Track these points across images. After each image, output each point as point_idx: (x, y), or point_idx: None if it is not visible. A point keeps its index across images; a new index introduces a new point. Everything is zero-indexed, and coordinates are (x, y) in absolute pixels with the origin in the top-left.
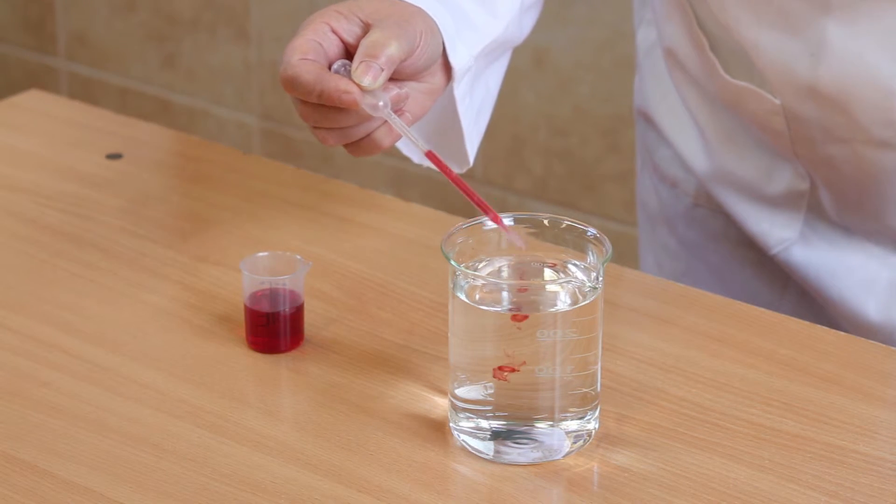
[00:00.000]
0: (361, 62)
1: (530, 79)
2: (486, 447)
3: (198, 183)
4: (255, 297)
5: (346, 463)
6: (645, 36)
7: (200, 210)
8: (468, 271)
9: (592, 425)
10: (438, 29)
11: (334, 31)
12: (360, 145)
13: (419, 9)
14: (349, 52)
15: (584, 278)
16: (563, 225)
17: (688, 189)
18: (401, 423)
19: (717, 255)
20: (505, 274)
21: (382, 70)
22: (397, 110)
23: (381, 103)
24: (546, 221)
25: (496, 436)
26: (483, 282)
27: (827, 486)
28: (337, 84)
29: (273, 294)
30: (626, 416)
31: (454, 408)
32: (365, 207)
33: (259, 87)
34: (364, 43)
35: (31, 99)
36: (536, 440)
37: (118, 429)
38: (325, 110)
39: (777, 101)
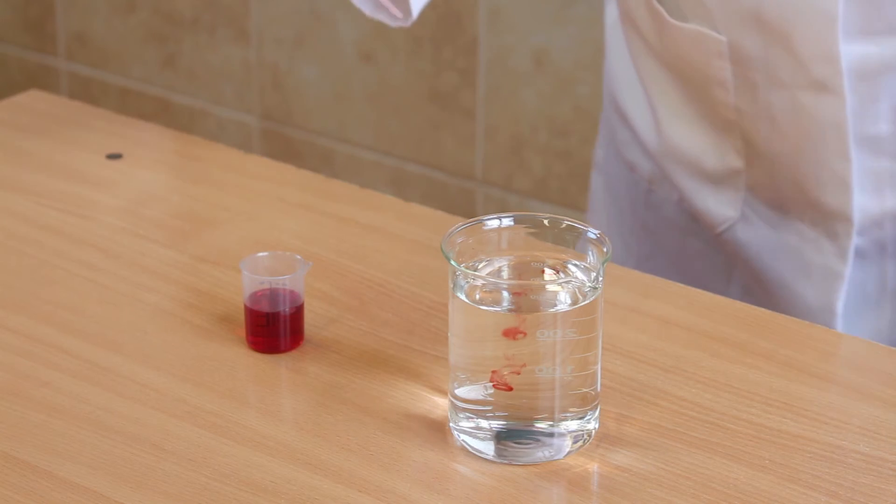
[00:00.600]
0: None
1: (530, 79)
2: (486, 447)
3: (198, 183)
4: (255, 297)
5: (346, 463)
6: (610, 11)
7: (200, 210)
8: (468, 271)
9: (592, 425)
10: None
11: None
12: None
13: None
14: None
15: (584, 278)
16: (563, 225)
17: (643, 173)
18: (401, 423)
19: (672, 241)
20: (505, 274)
21: None
22: None
23: None
24: (546, 221)
25: (496, 436)
26: (483, 282)
27: (827, 486)
28: None
29: (273, 294)
30: (626, 416)
31: (454, 408)
32: (365, 207)
33: (259, 87)
34: None
35: (31, 99)
36: (536, 440)
37: (118, 429)
38: None
39: (722, 38)
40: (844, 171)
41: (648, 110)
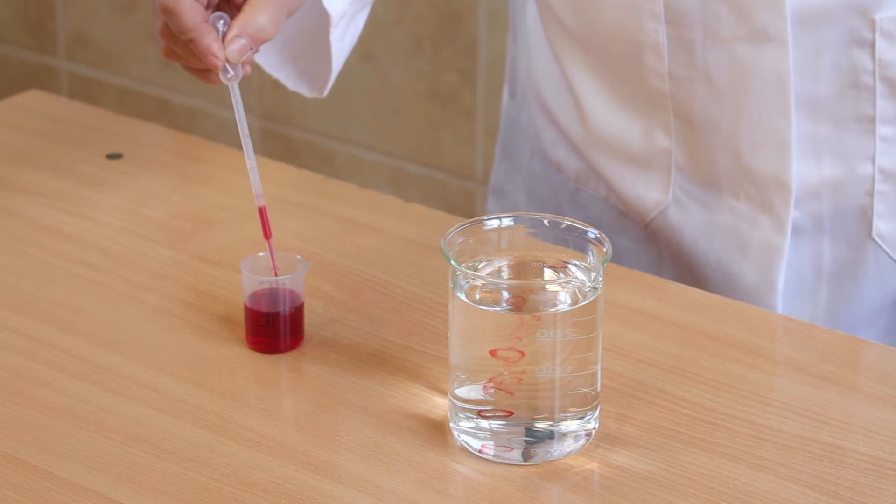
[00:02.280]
0: (235, 36)
1: None
2: (487, 447)
3: (198, 183)
4: (255, 297)
5: (346, 463)
6: (530, 10)
7: (200, 210)
8: (468, 271)
9: (592, 425)
10: None
11: None
12: (196, 73)
13: None
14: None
15: (584, 278)
16: (563, 225)
17: (570, 172)
18: (401, 423)
19: None
20: (505, 274)
21: (251, 49)
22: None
23: (230, 74)
24: (546, 221)
25: (496, 436)
26: (483, 282)
27: (827, 486)
28: (210, 44)
29: (273, 294)
30: (626, 416)
31: (454, 408)
32: (365, 207)
33: (259, 87)
34: (241, 17)
35: (31, 99)
36: (536, 440)
37: (118, 429)
38: (183, 48)
39: None
40: (784, 130)
41: (573, 103)
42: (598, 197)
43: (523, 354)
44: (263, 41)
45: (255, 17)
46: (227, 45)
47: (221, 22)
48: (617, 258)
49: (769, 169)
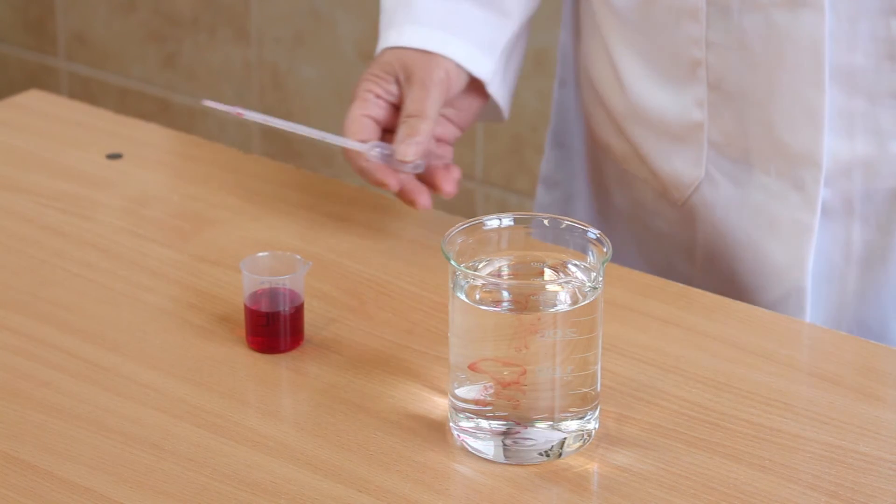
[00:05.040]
0: (404, 140)
1: (530, 79)
2: (486, 447)
3: (198, 183)
4: (255, 296)
5: (346, 463)
6: None
7: (200, 210)
8: (468, 271)
9: (592, 425)
10: (459, 63)
11: (378, 97)
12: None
13: (437, 56)
14: (394, 108)
15: (584, 278)
16: (563, 225)
17: (617, 152)
18: (401, 423)
19: (638, 223)
20: (505, 274)
21: (420, 144)
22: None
23: (410, 166)
24: (546, 221)
25: (496, 436)
26: (483, 282)
27: (827, 486)
28: (377, 178)
29: (273, 294)
30: (626, 416)
31: (454, 408)
32: (365, 207)
33: (259, 87)
34: (402, 122)
35: (31, 99)
36: (536, 440)
37: (118, 429)
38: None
39: None
40: (818, 103)
41: (615, 79)
42: (639, 178)
43: (523, 354)
44: (428, 131)
45: (406, 110)
46: (397, 152)
47: (380, 152)
48: (652, 240)
49: (801, 144)
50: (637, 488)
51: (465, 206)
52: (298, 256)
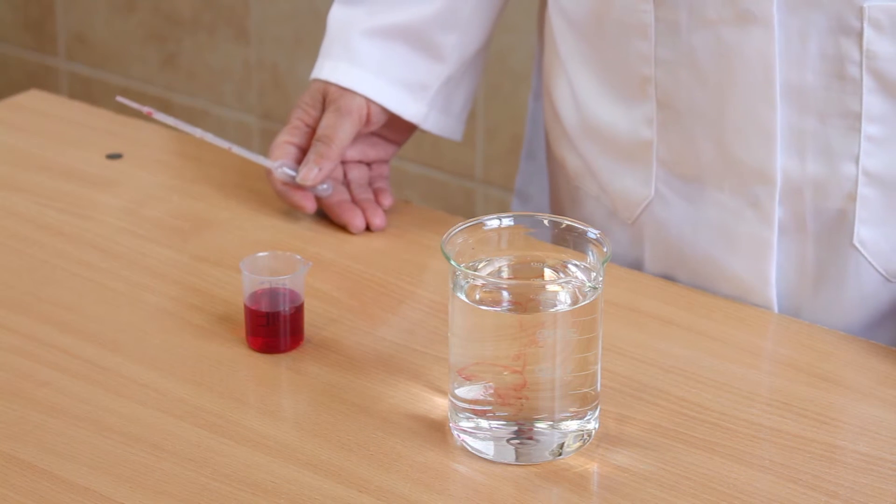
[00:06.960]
0: (308, 164)
1: (530, 79)
2: (486, 447)
3: (198, 183)
4: (255, 296)
5: (346, 463)
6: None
7: (200, 210)
8: (468, 271)
9: (592, 425)
10: (389, 109)
11: (308, 125)
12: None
13: (359, 97)
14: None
15: (584, 278)
16: (563, 225)
17: (571, 168)
18: (401, 423)
19: None
20: (505, 274)
21: (323, 170)
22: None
23: (321, 189)
24: (546, 221)
25: (496, 436)
26: (483, 282)
27: (827, 486)
28: (293, 201)
29: (273, 294)
30: (626, 416)
31: (454, 408)
32: None
33: (259, 87)
34: (312, 145)
35: (31, 99)
36: (536, 440)
37: (118, 429)
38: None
39: None
40: (769, 120)
41: (570, 95)
42: (591, 195)
43: (523, 354)
44: (336, 156)
45: (319, 132)
46: (299, 177)
47: (283, 170)
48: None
49: (754, 160)
50: (637, 488)
51: (465, 206)
52: (298, 256)
